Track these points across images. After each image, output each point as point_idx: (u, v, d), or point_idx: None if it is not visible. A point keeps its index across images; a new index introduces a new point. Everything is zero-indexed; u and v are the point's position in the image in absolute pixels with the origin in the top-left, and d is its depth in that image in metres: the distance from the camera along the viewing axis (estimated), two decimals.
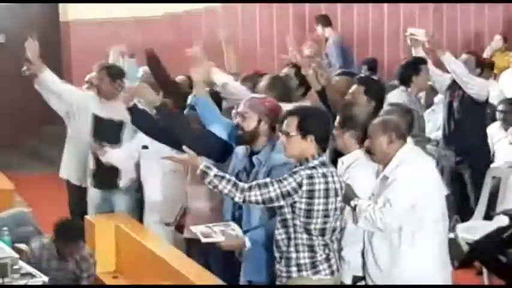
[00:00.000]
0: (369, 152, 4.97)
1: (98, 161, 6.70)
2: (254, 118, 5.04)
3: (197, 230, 4.85)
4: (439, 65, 7.45)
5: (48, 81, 6.90)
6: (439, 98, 8.68)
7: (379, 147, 4.87)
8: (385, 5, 11.98)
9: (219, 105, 6.02)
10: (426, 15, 12.04)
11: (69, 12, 10.15)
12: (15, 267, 5.44)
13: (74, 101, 7.00)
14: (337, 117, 5.19)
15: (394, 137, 4.87)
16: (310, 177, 4.54)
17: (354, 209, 4.81)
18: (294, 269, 4.65)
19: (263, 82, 6.22)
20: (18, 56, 7.00)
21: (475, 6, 12.44)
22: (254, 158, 5.04)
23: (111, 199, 6.88)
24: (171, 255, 5.62)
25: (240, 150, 5.23)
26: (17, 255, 5.60)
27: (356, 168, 5.00)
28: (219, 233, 4.85)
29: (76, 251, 5.97)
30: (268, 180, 4.60)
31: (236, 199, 4.61)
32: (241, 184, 4.62)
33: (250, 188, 4.58)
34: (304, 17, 11.50)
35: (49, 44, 9.63)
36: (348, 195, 4.81)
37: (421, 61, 7.08)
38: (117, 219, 6.47)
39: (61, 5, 10.23)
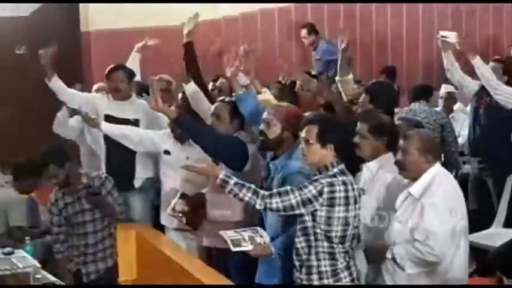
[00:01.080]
0: (399, 164, 4.92)
1: (109, 163, 6.78)
2: (278, 126, 5.15)
3: (226, 236, 4.89)
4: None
5: (57, 89, 6.97)
6: (458, 106, 8.68)
7: (415, 166, 4.81)
8: (404, 11, 11.98)
9: None
10: (445, 21, 12.02)
11: (90, 23, 10.22)
12: (37, 276, 5.50)
13: (83, 104, 7.01)
14: (361, 125, 5.24)
15: (430, 158, 4.82)
16: (331, 184, 4.57)
17: (393, 260, 4.80)
18: (315, 277, 4.68)
19: None
20: (40, 67, 7.07)
21: (493, 11, 12.42)
22: (271, 164, 5.13)
23: (128, 201, 6.91)
24: (192, 265, 5.65)
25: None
26: (39, 265, 5.66)
27: (387, 173, 5.05)
28: (248, 241, 4.90)
29: (76, 173, 6.07)
30: (288, 188, 4.63)
31: (257, 206, 4.63)
32: (261, 192, 4.66)
33: (271, 196, 4.61)
34: (323, 24, 11.50)
35: (70, 55, 9.72)
36: (379, 250, 4.84)
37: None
38: (138, 228, 6.51)
39: (82, 16, 10.30)
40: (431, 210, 4.68)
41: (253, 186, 4.68)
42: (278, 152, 5.16)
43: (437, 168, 4.84)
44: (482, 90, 7.34)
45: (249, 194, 4.62)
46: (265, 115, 5.24)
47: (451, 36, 7.28)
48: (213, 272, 5.48)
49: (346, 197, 4.60)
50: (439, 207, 4.70)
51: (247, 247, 4.87)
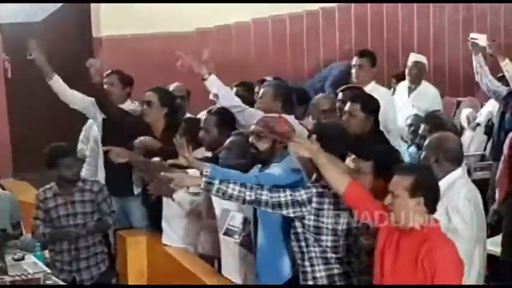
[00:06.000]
0: None
1: (108, 167, 6.80)
2: (269, 137, 4.98)
3: (230, 219, 4.96)
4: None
5: (58, 89, 7.05)
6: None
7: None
8: (415, 20, 11.98)
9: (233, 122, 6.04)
10: (456, 28, 12.02)
11: (102, 29, 10.27)
12: (48, 282, 5.53)
13: (84, 107, 7.12)
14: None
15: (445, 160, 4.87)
16: (321, 195, 4.51)
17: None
18: (310, 283, 4.61)
19: None
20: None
21: (504, 16, 12.37)
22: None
23: (127, 207, 6.92)
24: (203, 270, 5.66)
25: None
26: (49, 270, 5.69)
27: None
28: (240, 237, 5.04)
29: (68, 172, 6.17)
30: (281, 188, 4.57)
31: (247, 197, 4.52)
32: (250, 184, 4.57)
33: (262, 187, 4.54)
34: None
35: (82, 60, 9.78)
36: None
37: None
38: (149, 234, 6.52)
39: (94, 21, 10.36)
40: (454, 212, 4.72)
41: (238, 180, 4.58)
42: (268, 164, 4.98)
43: (459, 172, 4.90)
44: (510, 95, 7.31)
45: (237, 188, 4.52)
46: (254, 127, 5.08)
47: (481, 39, 7.23)
48: (223, 279, 5.48)
49: (338, 210, 4.52)
50: (461, 210, 4.74)
51: (234, 241, 4.91)
